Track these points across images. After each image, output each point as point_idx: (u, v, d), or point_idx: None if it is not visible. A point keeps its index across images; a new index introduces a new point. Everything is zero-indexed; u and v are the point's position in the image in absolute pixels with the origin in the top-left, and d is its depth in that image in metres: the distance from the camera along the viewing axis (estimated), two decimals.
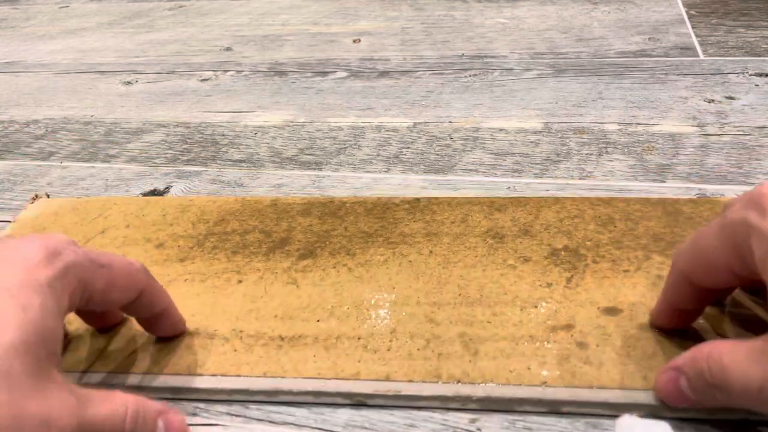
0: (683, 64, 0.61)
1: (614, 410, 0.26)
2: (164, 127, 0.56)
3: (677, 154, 0.45)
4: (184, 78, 0.68)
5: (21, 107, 0.63)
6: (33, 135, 0.57)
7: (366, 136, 0.51)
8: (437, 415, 0.26)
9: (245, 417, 0.27)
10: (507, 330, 0.29)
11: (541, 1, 0.87)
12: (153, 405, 0.24)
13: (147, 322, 0.29)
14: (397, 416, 0.27)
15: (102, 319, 0.31)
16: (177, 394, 0.28)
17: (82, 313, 0.30)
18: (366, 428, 0.26)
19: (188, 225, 0.39)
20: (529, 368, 0.27)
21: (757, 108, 0.51)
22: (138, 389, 0.28)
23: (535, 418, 0.26)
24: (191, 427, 0.27)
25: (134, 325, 0.31)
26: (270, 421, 0.27)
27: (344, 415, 0.27)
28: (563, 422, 0.26)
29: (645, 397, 0.26)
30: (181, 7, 1.00)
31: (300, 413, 0.27)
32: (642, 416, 0.25)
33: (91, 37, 0.87)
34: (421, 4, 0.91)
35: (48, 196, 0.45)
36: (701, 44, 0.66)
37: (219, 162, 0.49)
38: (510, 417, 0.26)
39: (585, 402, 0.26)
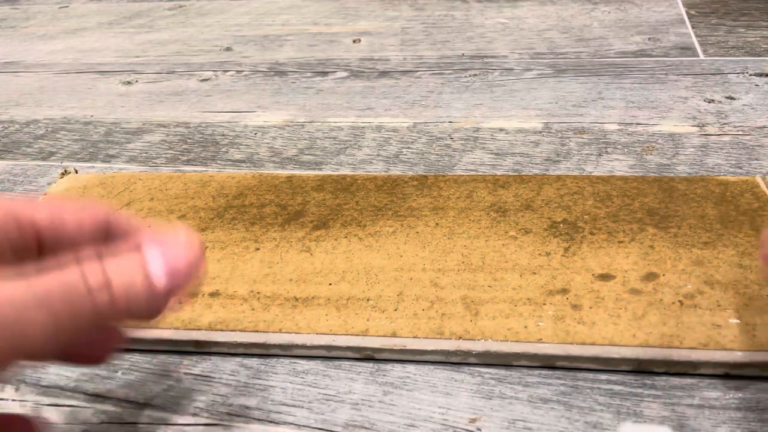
0: (683, 64, 0.61)
1: (604, 365, 0.28)
2: (164, 127, 0.56)
3: (677, 154, 0.45)
4: (184, 78, 0.68)
5: (21, 107, 0.63)
6: (33, 135, 0.57)
7: (366, 136, 0.51)
8: (437, 415, 0.27)
9: (245, 417, 0.27)
10: (506, 293, 0.31)
11: (541, 1, 0.87)
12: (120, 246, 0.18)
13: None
14: (397, 416, 0.27)
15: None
16: (199, 348, 0.31)
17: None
18: (366, 428, 0.26)
19: (209, 198, 0.41)
20: (525, 327, 0.29)
21: (757, 108, 0.51)
22: (162, 342, 0.31)
23: (535, 418, 0.26)
24: (191, 428, 0.27)
25: None
26: (270, 421, 0.27)
27: (344, 415, 0.27)
28: (563, 422, 0.26)
29: (632, 353, 0.27)
30: (181, 7, 1.00)
31: (300, 413, 0.27)
32: (642, 422, 0.25)
33: (91, 37, 0.87)
34: (421, 4, 0.91)
35: (76, 171, 0.47)
36: (701, 44, 0.66)
37: (219, 162, 0.49)
38: (510, 417, 0.26)
39: (577, 357, 0.28)
